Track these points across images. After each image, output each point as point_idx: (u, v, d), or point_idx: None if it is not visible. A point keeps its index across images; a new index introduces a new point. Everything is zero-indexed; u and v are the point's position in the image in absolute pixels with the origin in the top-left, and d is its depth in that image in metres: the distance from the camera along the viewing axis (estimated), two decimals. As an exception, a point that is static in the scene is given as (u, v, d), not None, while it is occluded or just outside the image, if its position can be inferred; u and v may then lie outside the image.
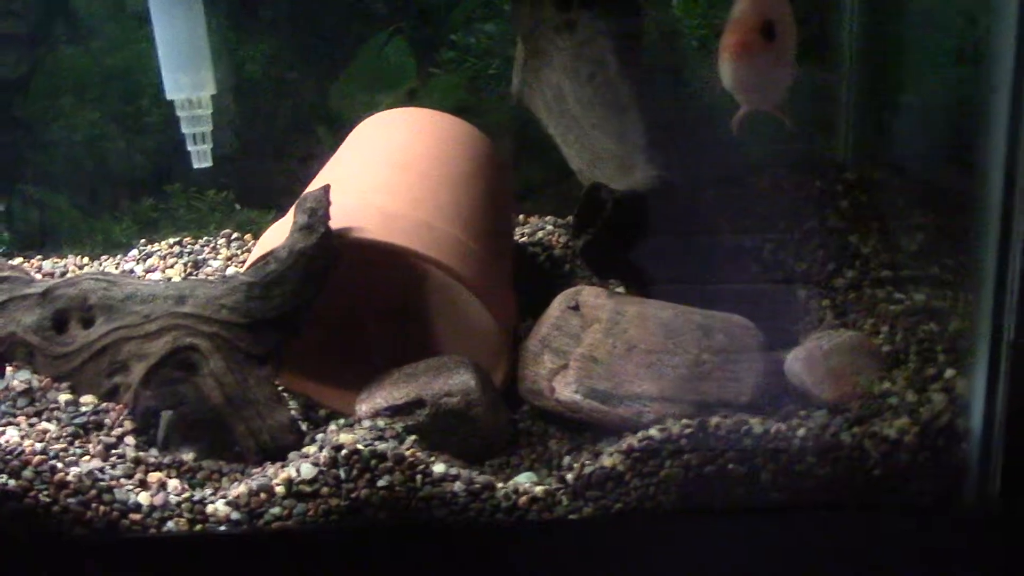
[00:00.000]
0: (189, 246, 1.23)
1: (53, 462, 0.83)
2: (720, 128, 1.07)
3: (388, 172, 1.01)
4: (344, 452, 0.83)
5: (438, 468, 0.84)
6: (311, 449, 0.86)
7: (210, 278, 1.14)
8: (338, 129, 1.12)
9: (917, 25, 1.06)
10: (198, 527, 0.83)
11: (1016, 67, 0.74)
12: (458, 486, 0.83)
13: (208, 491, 0.85)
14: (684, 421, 0.84)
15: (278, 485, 0.83)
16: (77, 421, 0.90)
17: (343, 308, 1.02)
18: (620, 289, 1.03)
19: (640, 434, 0.84)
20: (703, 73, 1.16)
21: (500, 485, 0.84)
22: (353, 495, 0.83)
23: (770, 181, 1.10)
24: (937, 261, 0.97)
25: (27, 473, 0.81)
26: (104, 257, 1.22)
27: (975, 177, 0.79)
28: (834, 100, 1.15)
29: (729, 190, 1.10)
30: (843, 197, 1.08)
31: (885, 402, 0.85)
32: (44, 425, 0.88)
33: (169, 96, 1.09)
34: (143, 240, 1.24)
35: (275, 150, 1.25)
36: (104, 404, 0.91)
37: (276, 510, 0.83)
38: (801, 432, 0.83)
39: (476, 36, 1.21)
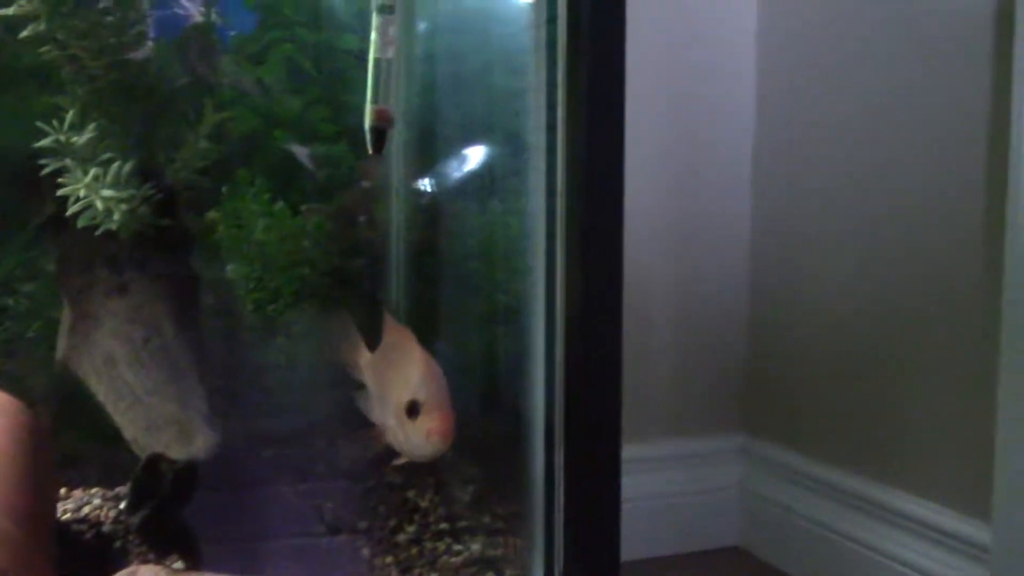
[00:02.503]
0: None
1: None
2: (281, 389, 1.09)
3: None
4: None
5: None
6: None
7: None
8: None
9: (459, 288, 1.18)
10: None
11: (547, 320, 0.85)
12: None
13: None
14: None
15: None
16: None
17: None
18: (179, 564, 0.97)
19: None
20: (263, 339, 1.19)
21: None
22: None
23: (329, 440, 1.13)
24: (489, 511, 1.04)
25: None
26: None
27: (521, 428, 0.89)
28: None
29: (289, 450, 1.11)
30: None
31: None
32: None
33: None
34: None
35: None
36: None
37: None
38: None
39: (15, 297, 1.13)
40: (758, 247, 1.71)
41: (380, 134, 0.80)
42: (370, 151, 0.81)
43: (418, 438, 0.86)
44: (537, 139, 0.83)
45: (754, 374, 1.72)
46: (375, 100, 0.79)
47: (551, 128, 0.82)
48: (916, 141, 1.35)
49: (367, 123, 0.80)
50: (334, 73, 1.22)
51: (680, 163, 1.66)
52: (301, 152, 1.22)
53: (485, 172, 1.12)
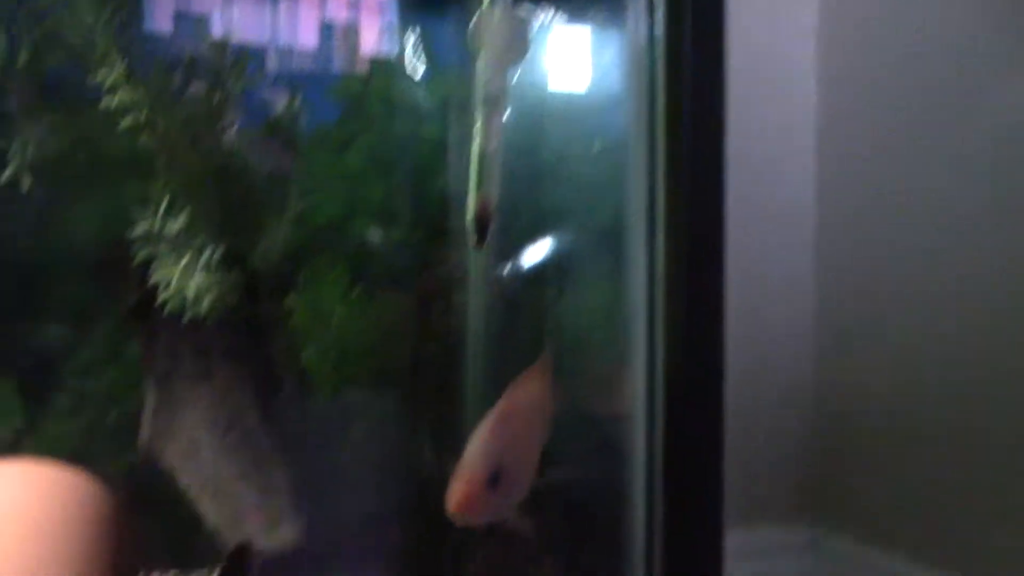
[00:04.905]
0: None
1: None
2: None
3: (-5, 537, 0.88)
4: None
5: None
6: None
7: None
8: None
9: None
10: None
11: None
12: None
13: None
14: None
15: None
16: None
17: None
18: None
19: None
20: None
21: None
22: None
23: (405, 530, 1.12)
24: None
25: None
26: None
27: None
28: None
29: (366, 540, 1.10)
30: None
31: None
32: None
33: None
34: None
35: None
36: None
37: None
38: None
39: (97, 380, 1.14)
40: (824, 331, 1.69)
41: (483, 226, 0.80)
42: (472, 244, 0.81)
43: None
44: (636, 223, 0.83)
45: (823, 465, 1.69)
46: (478, 192, 0.80)
47: (651, 211, 0.82)
48: (986, 224, 1.34)
49: (469, 215, 0.80)
50: (415, 161, 1.23)
51: (743, 248, 1.65)
52: (380, 239, 1.23)
53: (579, 257, 1.12)
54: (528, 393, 0.91)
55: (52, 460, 1.02)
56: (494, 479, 0.82)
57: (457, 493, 0.81)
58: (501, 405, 0.88)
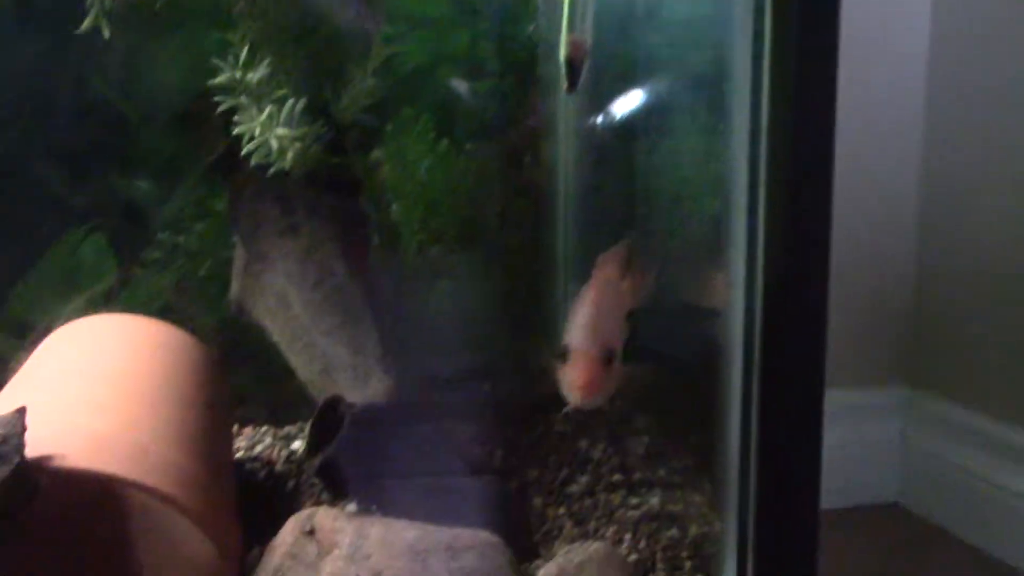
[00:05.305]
0: None
1: None
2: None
3: (94, 388, 0.89)
4: None
5: None
6: None
7: None
8: (24, 337, 0.99)
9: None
10: None
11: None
12: None
13: None
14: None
15: None
16: None
17: (42, 548, 0.87)
18: (352, 507, 0.96)
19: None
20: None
21: None
22: None
23: (496, 386, 1.11)
24: (664, 464, 1.00)
25: None
26: None
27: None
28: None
29: (455, 396, 1.09)
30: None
31: (640, 614, 0.84)
32: None
33: None
34: None
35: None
36: None
37: None
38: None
39: (187, 235, 1.13)
40: (927, 190, 1.61)
41: (576, 68, 0.75)
42: (564, 87, 0.76)
43: (563, 387, 0.80)
44: (741, 73, 0.77)
45: (918, 324, 1.64)
46: (571, 31, 0.74)
47: (756, 60, 0.76)
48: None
49: (562, 55, 0.75)
50: (501, 6, 1.17)
51: (851, 99, 1.56)
52: (466, 89, 1.18)
53: (675, 109, 1.06)
54: (615, 270, 0.87)
55: (146, 314, 1.03)
56: (608, 358, 0.79)
57: (580, 378, 0.78)
58: (595, 282, 0.85)
